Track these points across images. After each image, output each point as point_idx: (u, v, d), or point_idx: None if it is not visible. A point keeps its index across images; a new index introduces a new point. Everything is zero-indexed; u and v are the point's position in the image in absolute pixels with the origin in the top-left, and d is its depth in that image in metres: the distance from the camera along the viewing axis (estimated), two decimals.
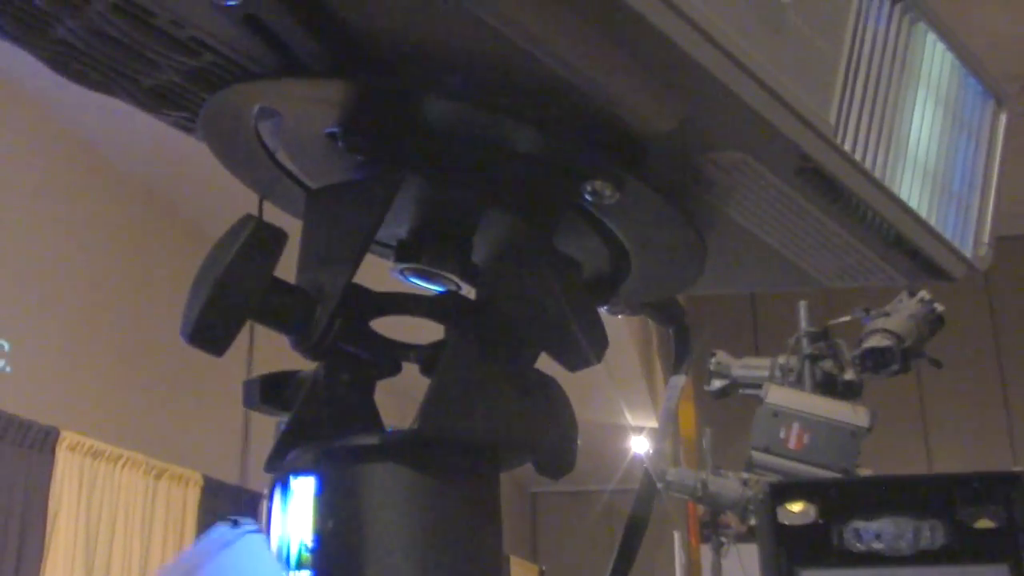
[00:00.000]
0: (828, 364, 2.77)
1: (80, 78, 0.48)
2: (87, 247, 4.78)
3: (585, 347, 0.46)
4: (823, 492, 1.99)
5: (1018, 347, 7.24)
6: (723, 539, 3.66)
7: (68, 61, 0.47)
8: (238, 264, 0.42)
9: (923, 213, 0.48)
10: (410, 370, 0.50)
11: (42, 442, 4.14)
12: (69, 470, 4.26)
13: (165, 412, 5.04)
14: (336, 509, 0.44)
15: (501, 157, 0.45)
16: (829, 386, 2.71)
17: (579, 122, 0.42)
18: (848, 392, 2.68)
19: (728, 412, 3.34)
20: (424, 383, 0.45)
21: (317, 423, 0.46)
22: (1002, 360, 7.34)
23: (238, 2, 0.40)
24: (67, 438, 4.24)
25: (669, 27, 0.37)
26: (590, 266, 0.51)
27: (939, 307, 2.68)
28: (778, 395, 2.56)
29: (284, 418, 0.47)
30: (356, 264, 0.45)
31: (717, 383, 2.94)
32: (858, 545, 1.93)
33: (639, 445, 8.02)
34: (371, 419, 0.48)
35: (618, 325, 5.29)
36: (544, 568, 9.43)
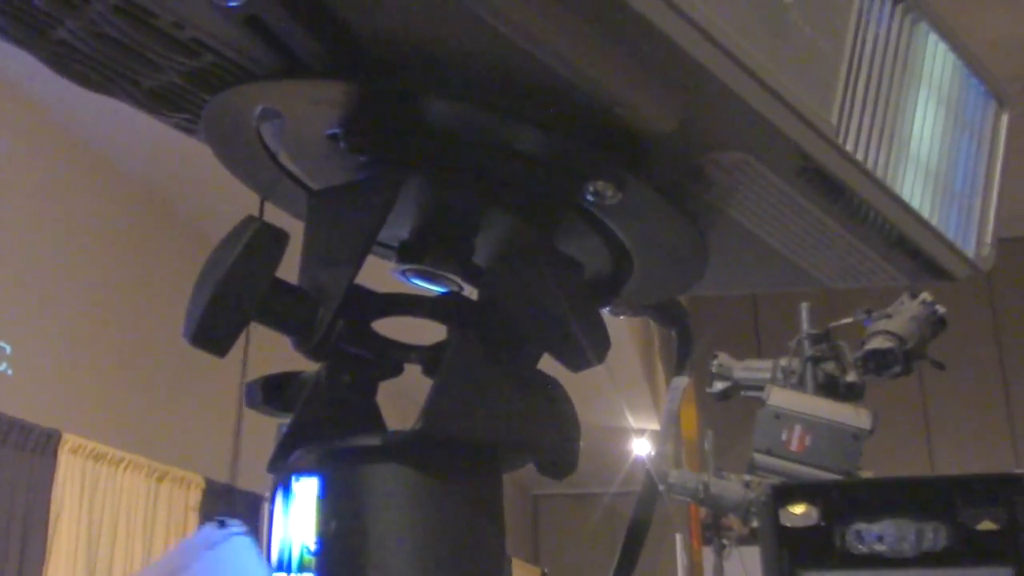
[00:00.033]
0: (830, 366, 2.76)
1: (81, 79, 0.48)
2: (88, 249, 4.78)
3: (586, 348, 0.46)
4: (825, 494, 1.99)
5: (1020, 349, 7.23)
6: (725, 541, 3.65)
7: (69, 62, 0.47)
8: (240, 265, 0.42)
9: (925, 213, 0.48)
10: (410, 372, 0.50)
11: (44, 445, 4.14)
12: (71, 473, 4.26)
13: (167, 415, 5.04)
14: (339, 510, 0.44)
15: (503, 158, 0.45)
16: (831, 388, 2.71)
17: (580, 122, 0.42)
18: (850, 394, 2.68)
19: (730, 414, 3.34)
20: (425, 385, 0.45)
21: (319, 424, 0.46)
22: (1004, 362, 7.33)
23: (239, 3, 0.40)
24: (69, 441, 4.25)
25: (670, 27, 0.37)
26: (592, 267, 0.51)
27: (941, 309, 2.67)
28: (780, 397, 2.56)
29: (285, 420, 0.47)
30: (358, 265, 0.45)
31: (719, 385, 2.94)
32: (860, 547, 1.93)
33: (641, 447, 8.01)
34: (373, 420, 0.48)
35: (619, 327, 5.29)
36: (546, 570, 9.43)
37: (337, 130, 0.46)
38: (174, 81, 0.47)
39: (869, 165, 0.45)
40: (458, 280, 0.49)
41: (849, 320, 2.80)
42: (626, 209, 0.46)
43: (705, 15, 0.37)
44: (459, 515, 0.45)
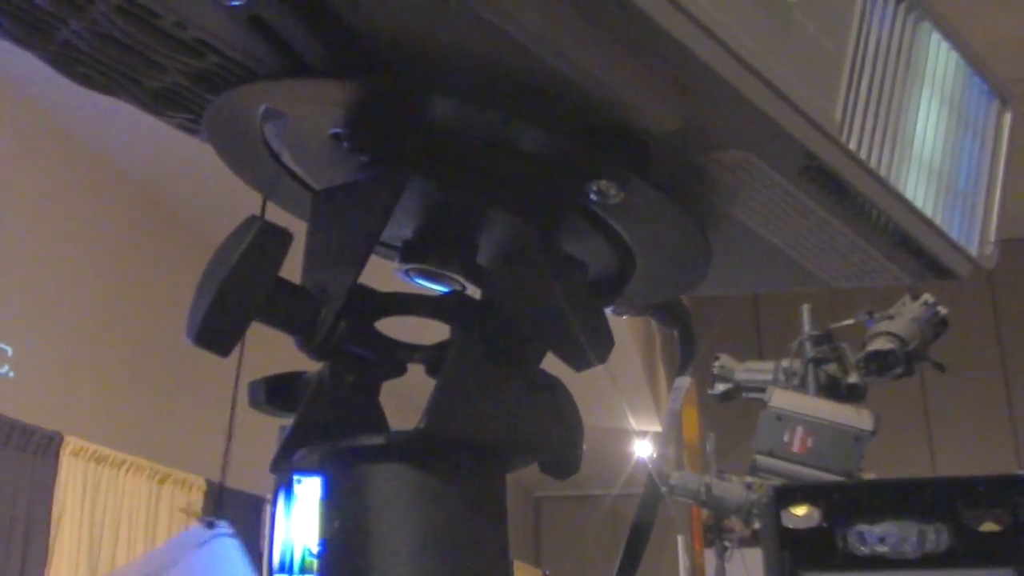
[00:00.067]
0: (832, 367, 2.76)
1: (84, 80, 0.48)
2: (89, 252, 4.79)
3: (586, 347, 0.46)
4: (827, 495, 1.99)
5: (1022, 350, 7.23)
6: (727, 543, 3.65)
7: (72, 63, 0.47)
8: (243, 265, 0.42)
9: (928, 212, 0.48)
10: (411, 374, 0.50)
11: (46, 447, 4.14)
12: (73, 475, 4.26)
13: (168, 417, 5.04)
14: (342, 509, 0.44)
15: (505, 157, 0.45)
16: (833, 389, 2.70)
17: (583, 122, 0.42)
18: (852, 395, 2.67)
19: (731, 416, 3.34)
20: (427, 387, 0.45)
21: (322, 424, 0.46)
22: (1006, 363, 7.33)
23: (242, 2, 0.40)
24: (71, 443, 4.24)
25: (674, 26, 0.37)
26: (595, 267, 0.51)
27: (943, 310, 2.67)
28: (781, 399, 2.55)
29: (286, 422, 0.47)
30: (361, 265, 0.45)
31: (720, 387, 2.94)
32: (862, 548, 1.92)
33: (642, 449, 8.00)
34: (376, 420, 0.48)
35: (621, 329, 5.28)
36: (548, 572, 9.41)
37: (340, 130, 0.46)
38: (177, 81, 0.47)
39: (872, 164, 0.45)
40: (461, 280, 0.49)
41: (851, 321, 2.79)
42: (629, 208, 0.46)
43: (709, 14, 0.37)
44: (462, 514, 0.45)
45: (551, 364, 0.48)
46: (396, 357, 0.48)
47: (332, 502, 0.45)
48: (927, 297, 2.66)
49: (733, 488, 2.71)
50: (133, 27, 0.43)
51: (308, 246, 0.47)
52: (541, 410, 0.47)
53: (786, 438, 2.47)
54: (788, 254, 0.51)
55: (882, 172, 0.46)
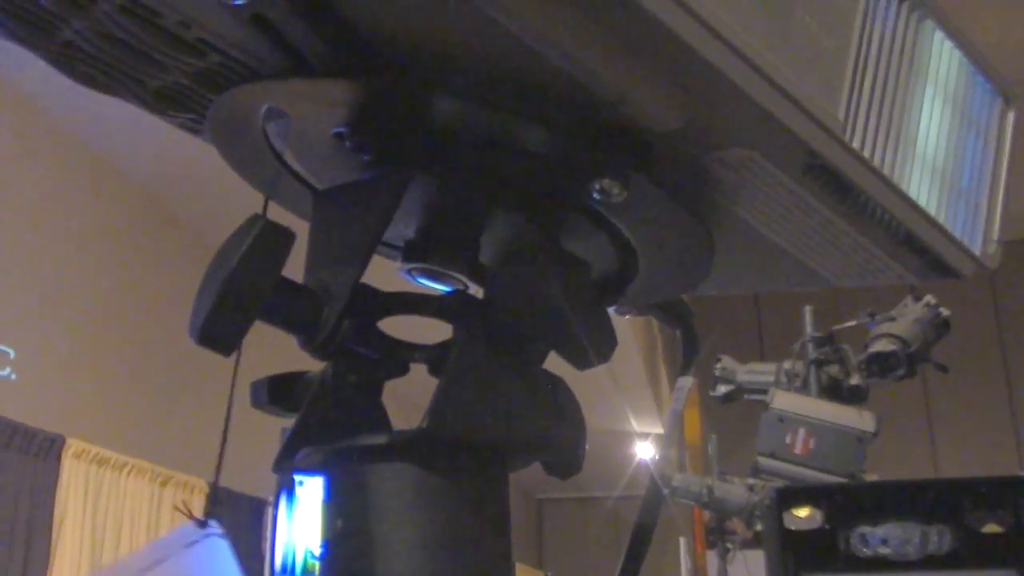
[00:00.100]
0: (834, 369, 2.76)
1: (86, 80, 0.48)
2: (90, 253, 4.79)
3: (587, 346, 0.46)
4: (829, 497, 1.99)
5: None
6: (729, 545, 3.64)
7: (74, 63, 0.47)
8: (246, 264, 0.42)
9: (932, 211, 0.48)
10: (412, 375, 0.50)
11: (47, 450, 4.14)
12: (75, 477, 4.26)
13: (170, 419, 5.04)
14: (345, 509, 0.44)
15: (508, 156, 0.45)
16: (835, 391, 2.70)
17: (586, 121, 0.42)
18: (854, 397, 2.67)
19: (733, 417, 3.33)
20: (429, 386, 0.45)
21: (324, 424, 0.46)
22: (1008, 364, 7.32)
23: (245, 1, 0.40)
24: (72, 445, 4.25)
25: (677, 24, 0.37)
26: (598, 266, 0.51)
27: (945, 311, 2.67)
28: (784, 400, 2.55)
29: (287, 423, 0.47)
30: (364, 264, 0.45)
31: (722, 388, 2.94)
32: (865, 550, 1.92)
33: (644, 451, 8.00)
34: (379, 419, 0.48)
35: (624, 332, 5.28)
36: (550, 574, 9.41)
37: (342, 129, 0.46)
38: (180, 81, 0.47)
39: (876, 162, 0.45)
40: (463, 279, 0.49)
41: (853, 323, 2.79)
42: (632, 207, 0.46)
43: (712, 12, 0.37)
44: (465, 513, 0.45)
45: (553, 364, 0.48)
46: (399, 356, 0.48)
47: (334, 502, 0.45)
48: (929, 299, 2.66)
49: (735, 490, 2.71)
50: (136, 26, 0.43)
51: (311, 246, 0.47)
52: (543, 409, 0.47)
53: (788, 440, 2.47)
54: (791, 253, 0.51)
55: (885, 170, 0.45)
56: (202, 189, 4.65)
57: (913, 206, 0.47)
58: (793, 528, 1.96)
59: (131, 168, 4.91)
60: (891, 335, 2.59)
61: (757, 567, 2.39)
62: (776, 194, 0.46)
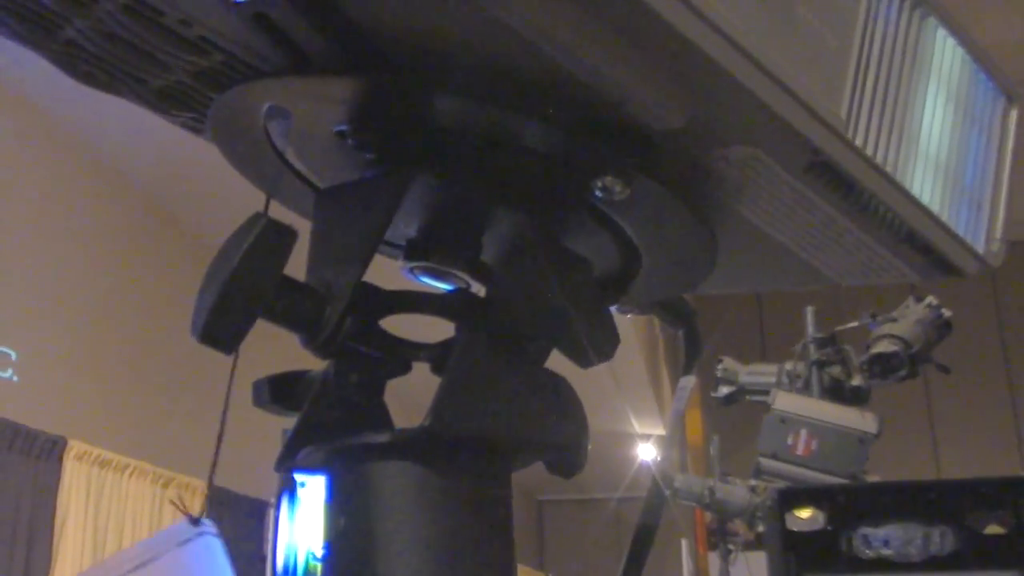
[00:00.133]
0: (835, 370, 2.76)
1: (88, 79, 0.48)
2: (92, 255, 4.79)
3: (588, 345, 0.46)
4: (831, 498, 1.99)
5: None
6: (731, 546, 3.64)
7: (76, 62, 0.47)
8: (248, 262, 0.42)
9: (935, 209, 0.48)
10: (415, 374, 0.50)
11: (49, 451, 4.15)
12: (76, 479, 4.26)
13: (172, 421, 5.04)
14: (347, 507, 0.44)
15: (510, 154, 0.45)
16: (837, 392, 2.70)
17: (588, 118, 0.42)
18: (856, 398, 2.67)
19: (735, 419, 3.33)
20: (430, 386, 0.45)
21: (326, 422, 0.46)
22: (1009, 365, 7.32)
23: None
24: (74, 447, 4.25)
25: (679, 21, 0.37)
26: (600, 264, 0.51)
27: (946, 312, 2.67)
28: (785, 401, 2.55)
29: (288, 423, 0.47)
30: (366, 263, 0.45)
31: (724, 389, 2.94)
32: (867, 551, 1.92)
33: (646, 452, 8.00)
34: (381, 418, 0.48)
35: (625, 333, 5.27)
36: None
37: (344, 127, 0.45)
38: (182, 80, 0.47)
39: (879, 160, 0.45)
40: (466, 277, 0.49)
41: (855, 324, 2.79)
42: (634, 205, 0.46)
43: (715, 9, 0.37)
44: (467, 512, 0.44)
45: (556, 363, 0.48)
46: (401, 355, 0.48)
47: (337, 500, 0.45)
48: (931, 299, 2.66)
49: (737, 491, 2.71)
50: (138, 25, 0.43)
51: (312, 244, 0.47)
52: (546, 408, 0.47)
53: (790, 441, 2.47)
54: (794, 251, 0.51)
55: (888, 168, 0.45)
56: (202, 189, 4.65)
57: (916, 204, 0.47)
58: (795, 529, 1.95)
59: (131, 168, 4.91)
60: (893, 336, 2.59)
61: (759, 568, 2.39)
62: (779, 192, 0.46)
